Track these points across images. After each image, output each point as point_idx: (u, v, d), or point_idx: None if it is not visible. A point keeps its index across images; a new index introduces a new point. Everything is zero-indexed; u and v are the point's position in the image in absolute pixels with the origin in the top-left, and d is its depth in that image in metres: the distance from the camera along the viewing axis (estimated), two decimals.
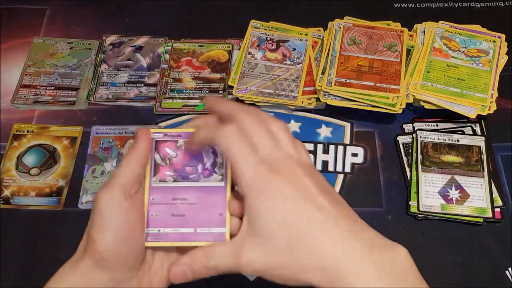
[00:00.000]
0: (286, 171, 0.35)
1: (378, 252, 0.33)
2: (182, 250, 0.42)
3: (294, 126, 0.58)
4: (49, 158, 0.55)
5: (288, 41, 0.61)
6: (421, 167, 0.53)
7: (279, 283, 0.34)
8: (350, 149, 0.56)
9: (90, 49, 0.64)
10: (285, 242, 0.33)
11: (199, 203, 0.42)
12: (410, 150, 0.55)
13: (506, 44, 0.59)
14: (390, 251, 0.34)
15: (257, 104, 0.58)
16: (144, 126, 0.57)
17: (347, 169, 0.55)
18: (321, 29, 0.63)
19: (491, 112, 0.55)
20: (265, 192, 0.34)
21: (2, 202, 0.52)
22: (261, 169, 0.34)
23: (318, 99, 0.57)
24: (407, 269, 0.34)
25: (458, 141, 0.55)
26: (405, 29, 0.60)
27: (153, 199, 0.42)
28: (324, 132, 0.57)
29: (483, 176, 0.52)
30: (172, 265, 0.39)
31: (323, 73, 0.57)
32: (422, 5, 0.68)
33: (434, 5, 0.68)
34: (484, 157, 0.53)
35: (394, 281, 0.33)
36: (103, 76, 0.61)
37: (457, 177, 0.52)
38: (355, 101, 0.55)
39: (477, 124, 0.57)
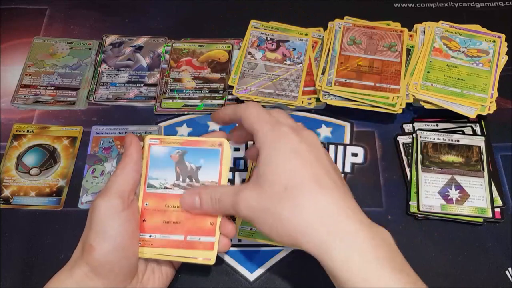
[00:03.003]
0: (301, 134, 0.38)
1: (369, 226, 0.35)
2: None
3: None
4: (49, 158, 0.55)
5: (288, 41, 0.61)
6: (421, 167, 0.53)
7: (267, 236, 0.37)
8: (350, 149, 0.56)
9: (90, 49, 0.64)
10: (280, 189, 0.36)
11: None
12: (410, 150, 0.55)
13: (506, 44, 0.59)
14: (380, 229, 0.36)
15: None
16: (144, 126, 0.57)
17: (347, 169, 0.55)
18: (321, 29, 0.63)
19: (491, 112, 0.55)
20: (277, 145, 0.37)
21: (2, 202, 0.52)
22: (276, 128, 0.38)
23: (318, 99, 0.57)
24: (395, 249, 0.36)
25: (458, 141, 0.55)
26: (405, 29, 0.60)
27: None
28: (324, 132, 0.57)
29: (483, 176, 0.52)
30: (184, 194, 0.42)
31: (323, 73, 0.57)
32: (422, 5, 0.68)
33: (434, 5, 0.68)
34: (484, 157, 0.53)
35: (386, 254, 0.34)
36: (103, 76, 0.61)
37: (457, 177, 0.52)
38: (355, 101, 0.55)
39: (477, 124, 0.57)
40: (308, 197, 0.35)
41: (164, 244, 0.41)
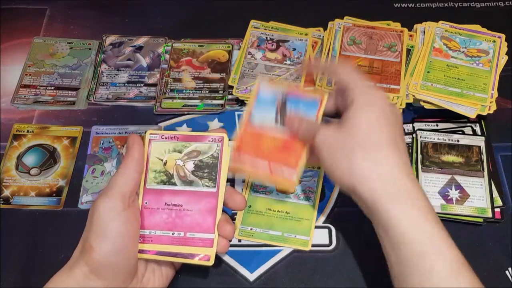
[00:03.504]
0: (392, 106, 0.42)
1: (419, 186, 0.39)
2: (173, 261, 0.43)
3: None
4: (49, 158, 0.55)
5: (288, 41, 0.61)
6: (421, 167, 0.53)
7: (328, 173, 0.41)
8: None
9: (90, 49, 0.64)
10: (362, 137, 0.39)
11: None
12: (410, 150, 0.55)
13: (506, 44, 0.59)
14: (429, 201, 0.39)
15: None
16: (144, 126, 0.57)
17: None
18: (321, 29, 0.63)
19: (491, 112, 0.55)
20: (372, 100, 0.41)
21: (2, 202, 0.52)
22: (373, 88, 0.42)
23: None
24: (440, 222, 0.39)
25: (458, 141, 0.55)
26: (405, 29, 0.60)
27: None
28: None
29: (483, 176, 0.52)
30: (286, 119, 0.45)
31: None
32: (422, 5, 0.68)
33: (434, 5, 0.68)
34: (484, 157, 0.53)
35: (432, 216, 0.38)
36: (103, 76, 0.61)
37: (457, 177, 0.52)
38: None
39: (477, 124, 0.57)
40: (383, 152, 0.39)
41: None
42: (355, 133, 0.39)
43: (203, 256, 0.41)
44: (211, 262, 0.41)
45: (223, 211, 0.42)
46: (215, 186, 0.42)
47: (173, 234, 0.41)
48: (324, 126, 0.42)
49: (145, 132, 0.44)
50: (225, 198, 0.42)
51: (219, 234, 0.41)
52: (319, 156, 0.41)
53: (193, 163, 0.43)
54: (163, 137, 0.43)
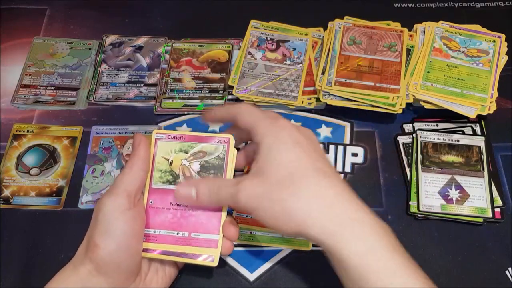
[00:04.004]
0: (299, 128, 0.39)
1: (371, 214, 0.36)
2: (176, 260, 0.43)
3: None
4: (49, 158, 0.55)
5: (288, 41, 0.61)
6: (421, 167, 0.53)
7: (269, 226, 0.37)
8: (350, 149, 0.56)
9: (90, 49, 0.64)
10: (283, 177, 0.36)
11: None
12: (410, 150, 0.55)
13: (506, 44, 0.59)
14: (381, 222, 0.36)
15: (257, 104, 0.58)
16: (144, 126, 0.57)
17: (347, 169, 0.55)
18: (321, 29, 0.63)
19: (491, 112, 0.55)
20: (279, 135, 0.38)
21: (2, 202, 0.52)
22: (276, 121, 0.39)
23: (318, 99, 0.57)
24: (394, 235, 0.36)
25: (458, 141, 0.55)
26: (405, 29, 0.60)
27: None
28: (324, 132, 0.57)
29: (483, 176, 0.52)
30: (179, 185, 0.41)
31: (323, 73, 0.57)
32: (422, 5, 0.68)
33: (434, 5, 0.68)
34: (484, 157, 0.53)
35: (391, 240, 0.35)
36: (103, 76, 0.61)
37: (457, 177, 0.52)
38: (355, 101, 0.55)
39: (477, 124, 0.57)
40: (313, 184, 0.36)
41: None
42: (275, 177, 0.36)
43: (207, 256, 0.41)
44: (215, 263, 0.41)
45: (228, 212, 0.42)
46: None
47: (177, 234, 0.41)
48: (242, 182, 0.37)
49: (145, 133, 0.44)
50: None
51: (223, 235, 0.41)
52: (251, 213, 0.38)
53: (199, 164, 0.42)
54: (169, 137, 0.43)
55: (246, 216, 0.50)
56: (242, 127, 0.40)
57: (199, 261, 0.41)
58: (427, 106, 0.56)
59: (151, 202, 0.42)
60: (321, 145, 0.41)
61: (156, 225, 0.42)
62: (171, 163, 0.43)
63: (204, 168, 0.42)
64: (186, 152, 0.43)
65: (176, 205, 0.42)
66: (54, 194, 0.53)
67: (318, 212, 0.35)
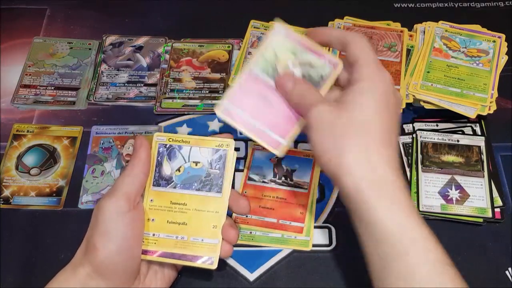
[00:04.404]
0: (396, 94, 0.40)
1: (403, 181, 0.37)
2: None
3: None
4: (49, 158, 0.55)
5: None
6: (421, 167, 0.53)
7: (314, 151, 0.39)
8: None
9: (90, 49, 0.64)
10: (357, 122, 0.37)
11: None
12: (410, 150, 0.55)
13: (506, 44, 0.59)
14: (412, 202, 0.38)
15: None
16: (144, 126, 0.57)
17: None
18: None
19: (491, 112, 0.55)
20: (376, 84, 0.38)
21: (2, 202, 0.52)
22: (382, 71, 0.40)
23: None
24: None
25: (458, 141, 0.55)
26: (405, 29, 0.60)
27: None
28: None
29: (483, 176, 0.52)
30: (284, 75, 0.41)
31: None
32: (422, 5, 0.68)
33: (434, 5, 0.68)
34: (484, 157, 0.53)
35: (418, 219, 0.36)
36: (103, 76, 0.61)
37: (457, 177, 0.52)
38: None
39: (477, 124, 0.57)
40: (376, 144, 0.37)
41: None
42: (352, 119, 0.37)
43: (206, 259, 0.41)
44: (214, 266, 0.41)
45: (227, 215, 0.42)
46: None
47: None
48: (322, 101, 0.39)
49: (145, 133, 0.44)
50: (230, 203, 0.42)
51: (223, 239, 0.41)
52: (308, 132, 0.39)
53: (301, 72, 0.42)
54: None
55: (246, 216, 0.50)
56: (348, 55, 0.40)
57: (198, 264, 0.41)
58: (427, 106, 0.56)
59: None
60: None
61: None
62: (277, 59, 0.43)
63: (303, 78, 0.42)
64: (295, 55, 0.42)
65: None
66: (54, 194, 0.53)
67: (367, 170, 0.36)
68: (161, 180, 0.42)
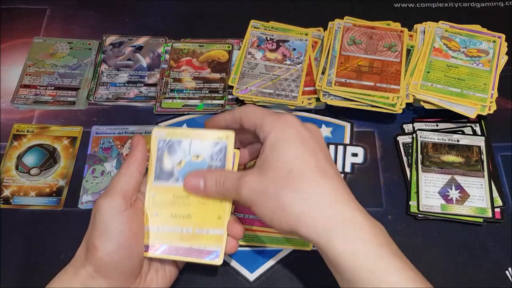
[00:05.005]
0: (305, 124, 0.39)
1: (366, 215, 0.36)
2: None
3: None
4: (49, 158, 0.55)
5: (288, 41, 0.61)
6: (421, 167, 0.53)
7: (266, 222, 0.37)
8: (350, 149, 0.56)
9: (90, 49, 0.64)
10: (284, 174, 0.36)
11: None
12: (410, 150, 0.55)
13: (506, 44, 0.59)
14: (374, 219, 0.37)
15: (257, 104, 0.58)
16: (144, 126, 0.57)
17: (347, 169, 0.55)
18: (321, 29, 0.63)
19: (491, 112, 0.55)
20: (284, 131, 0.38)
21: (2, 202, 0.52)
22: (282, 118, 0.39)
23: (318, 99, 0.57)
24: (389, 237, 0.37)
25: (458, 141, 0.55)
26: (405, 29, 0.60)
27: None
28: (324, 132, 0.57)
29: (483, 176, 0.52)
30: (188, 175, 0.41)
31: (323, 73, 0.57)
32: (422, 5, 0.68)
33: (434, 5, 0.68)
34: (484, 157, 0.53)
35: (385, 241, 0.35)
36: (103, 76, 0.61)
37: (457, 177, 0.52)
38: (355, 101, 0.55)
39: (477, 124, 0.57)
40: (312, 184, 0.36)
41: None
42: (277, 173, 0.36)
43: (211, 255, 0.41)
44: (219, 262, 0.41)
45: (232, 213, 0.42)
46: None
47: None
48: (243, 175, 0.38)
49: (145, 133, 0.43)
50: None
51: (228, 234, 0.41)
52: (250, 207, 0.38)
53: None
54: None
55: (244, 215, 0.50)
56: (247, 128, 0.40)
57: (204, 260, 0.41)
58: (427, 106, 0.56)
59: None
60: (325, 142, 0.41)
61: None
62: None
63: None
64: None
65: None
66: (54, 194, 0.53)
67: (312, 211, 0.35)
68: (162, 175, 0.42)
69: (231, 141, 0.42)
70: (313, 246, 0.49)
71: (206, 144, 0.42)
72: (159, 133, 0.43)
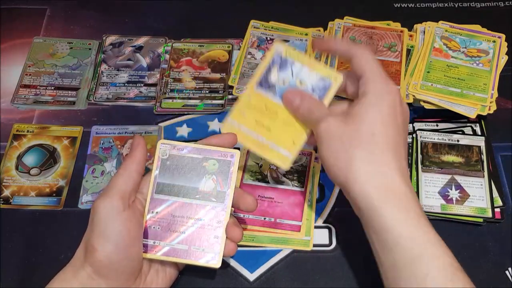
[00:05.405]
0: (403, 105, 0.42)
1: (413, 191, 0.39)
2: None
3: None
4: (49, 158, 0.55)
5: (288, 41, 0.61)
6: (421, 167, 0.53)
7: (324, 163, 0.41)
8: None
9: (90, 49, 0.64)
10: (366, 133, 0.39)
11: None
12: (410, 150, 0.55)
13: (506, 44, 0.59)
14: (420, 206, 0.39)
15: None
16: (144, 126, 0.57)
17: None
18: (321, 29, 0.63)
19: (491, 112, 0.55)
20: (384, 96, 0.40)
21: (2, 202, 0.52)
22: (389, 83, 0.41)
23: None
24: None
25: (458, 141, 0.55)
26: (405, 29, 0.60)
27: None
28: None
29: (483, 176, 0.52)
30: (291, 89, 0.43)
31: None
32: (422, 5, 0.68)
33: (434, 5, 0.68)
34: (484, 157, 0.53)
35: (426, 223, 0.38)
36: (103, 76, 0.61)
37: (457, 177, 0.52)
38: None
39: (477, 124, 0.57)
40: (385, 153, 0.39)
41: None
42: (360, 131, 0.39)
43: (210, 258, 0.41)
44: (218, 265, 0.41)
45: (231, 214, 0.42)
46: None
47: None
48: (330, 114, 0.41)
49: (144, 133, 0.43)
50: (236, 200, 0.42)
51: (227, 237, 0.41)
52: (318, 144, 0.41)
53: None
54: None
55: (244, 216, 0.50)
56: (354, 69, 0.42)
57: (202, 263, 0.41)
58: (427, 106, 0.56)
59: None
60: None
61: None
62: (260, 166, 0.52)
63: (289, 172, 0.51)
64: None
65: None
66: (54, 194, 0.53)
67: (376, 180, 0.38)
68: (265, 84, 0.44)
69: (336, 83, 0.43)
70: (313, 246, 0.49)
71: (314, 76, 0.43)
72: (279, 47, 0.44)
